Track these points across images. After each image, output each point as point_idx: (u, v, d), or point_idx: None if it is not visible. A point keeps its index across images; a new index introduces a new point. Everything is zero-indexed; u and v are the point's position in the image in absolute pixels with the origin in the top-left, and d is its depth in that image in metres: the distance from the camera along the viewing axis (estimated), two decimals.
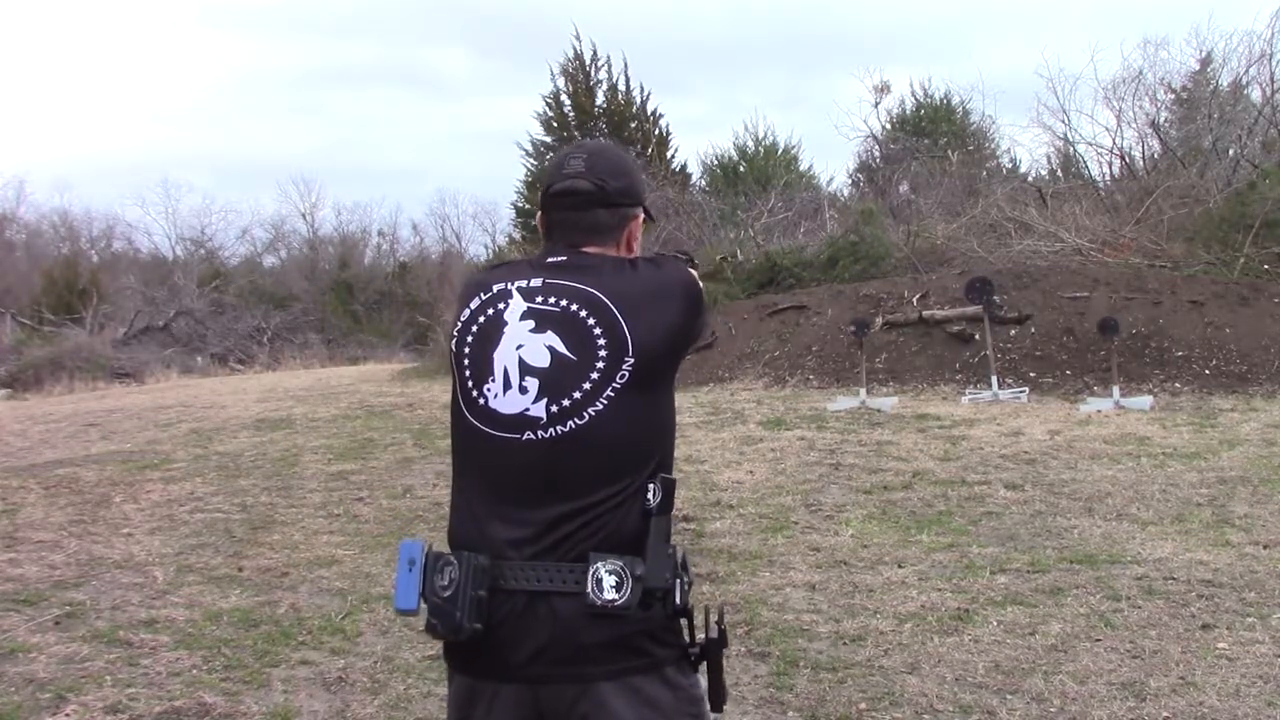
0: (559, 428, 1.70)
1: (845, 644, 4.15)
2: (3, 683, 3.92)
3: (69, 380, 19.32)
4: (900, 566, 5.16)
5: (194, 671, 4.03)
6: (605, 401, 1.70)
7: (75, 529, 6.49)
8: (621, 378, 1.71)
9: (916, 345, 11.49)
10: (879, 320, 11.75)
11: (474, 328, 1.80)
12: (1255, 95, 19.32)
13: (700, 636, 1.77)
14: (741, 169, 25.65)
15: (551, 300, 1.76)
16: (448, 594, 1.68)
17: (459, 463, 1.82)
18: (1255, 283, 11.92)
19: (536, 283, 1.79)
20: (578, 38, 27.44)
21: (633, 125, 26.36)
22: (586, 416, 1.70)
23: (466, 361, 1.79)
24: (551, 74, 26.74)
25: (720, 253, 16.82)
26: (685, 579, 1.70)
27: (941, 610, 4.50)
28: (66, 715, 3.63)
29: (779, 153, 26.57)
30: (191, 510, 6.96)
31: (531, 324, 1.75)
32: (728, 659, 4.10)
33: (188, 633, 4.48)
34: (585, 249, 1.83)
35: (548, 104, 26.57)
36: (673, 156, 26.63)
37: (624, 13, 49.67)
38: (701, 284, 1.88)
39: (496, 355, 1.76)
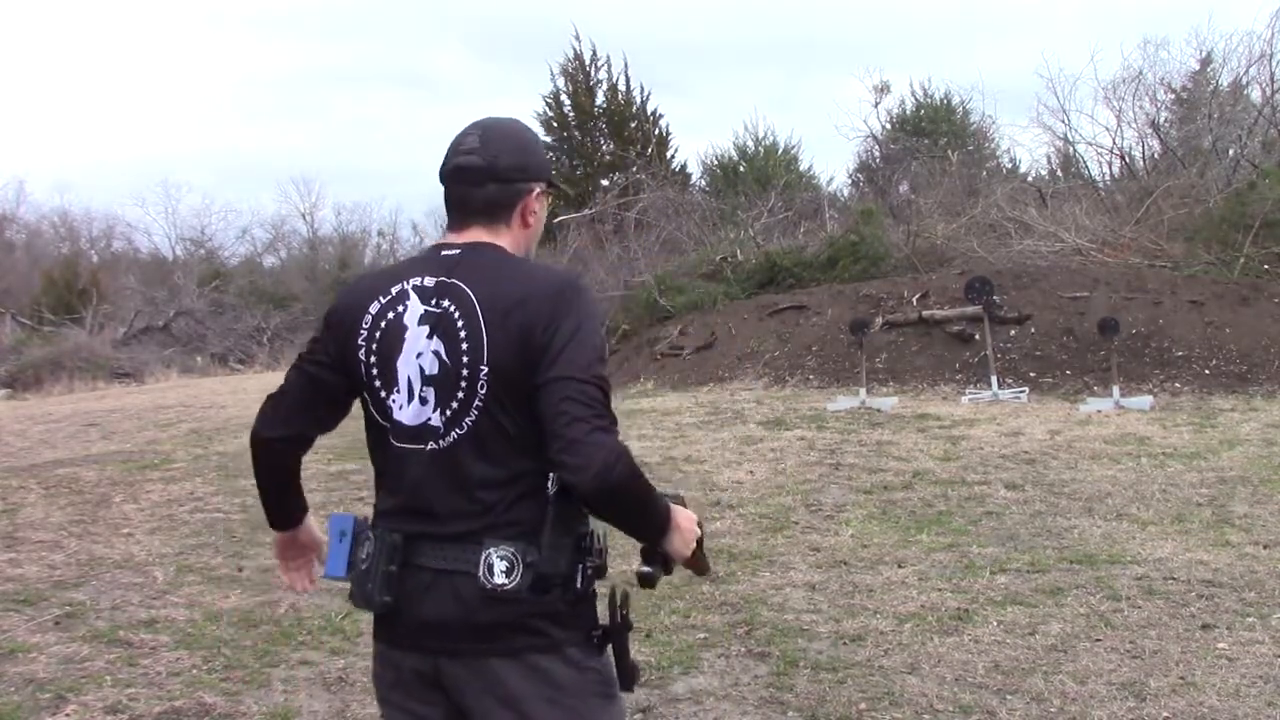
0: (452, 434, 1.74)
1: (845, 644, 4.15)
2: (3, 683, 3.92)
3: (69, 380, 19.32)
4: (900, 566, 5.16)
5: (194, 671, 4.03)
6: (477, 411, 1.73)
7: (75, 529, 6.49)
8: (483, 388, 1.72)
9: (916, 345, 11.49)
10: (879, 320, 11.75)
11: (377, 333, 1.80)
12: (1255, 95, 19.34)
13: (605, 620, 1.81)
14: (741, 169, 25.64)
15: (443, 303, 1.76)
16: (364, 566, 1.79)
17: (375, 461, 1.87)
18: (1255, 283, 11.92)
19: (430, 283, 1.78)
20: (577, 38, 27.43)
21: (633, 125, 26.35)
22: (466, 426, 1.73)
23: (375, 371, 1.80)
24: (551, 74, 26.73)
25: (720, 253, 16.82)
26: (588, 565, 1.73)
27: (941, 610, 4.50)
28: (66, 715, 3.63)
29: (779, 153, 26.56)
30: (191, 510, 6.96)
31: (427, 329, 1.76)
32: (727, 658, 4.12)
33: (188, 633, 4.48)
34: (478, 230, 1.82)
35: (548, 104, 26.55)
36: (673, 156, 26.62)
37: (624, 13, 49.68)
38: (583, 293, 1.77)
39: (400, 364, 1.78)
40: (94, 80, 63.60)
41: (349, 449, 8.97)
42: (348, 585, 1.84)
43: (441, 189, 1.87)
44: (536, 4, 51.98)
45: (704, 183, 26.36)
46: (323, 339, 1.87)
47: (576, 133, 26.52)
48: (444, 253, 1.82)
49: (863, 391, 10.25)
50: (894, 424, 8.95)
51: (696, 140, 65.83)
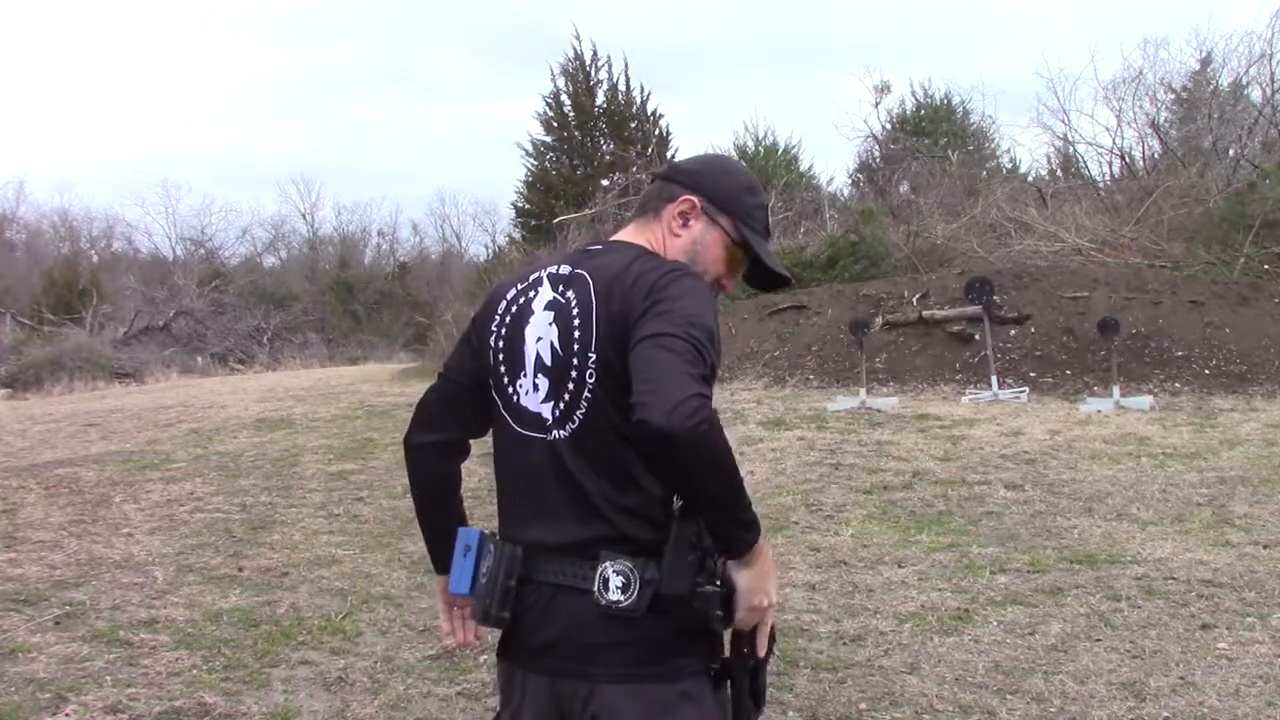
0: (561, 431, 1.69)
1: (845, 644, 4.15)
2: (3, 683, 3.92)
3: (69, 380, 19.32)
4: (900, 566, 5.16)
5: (194, 671, 4.03)
6: (586, 403, 1.66)
7: (75, 529, 6.49)
8: (591, 376, 1.66)
9: (916, 345, 11.49)
10: (879, 320, 11.75)
11: (508, 319, 1.78)
12: (1255, 95, 19.35)
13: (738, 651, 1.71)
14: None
15: (567, 294, 1.72)
16: (484, 581, 1.71)
17: (497, 455, 1.81)
18: (1255, 283, 11.92)
19: (565, 270, 1.76)
20: (578, 37, 27.43)
21: (633, 125, 26.35)
22: (577, 420, 1.67)
23: (501, 356, 1.77)
24: (551, 74, 26.70)
25: None
26: (713, 588, 1.61)
27: (941, 610, 4.50)
28: (66, 715, 3.63)
29: (779, 153, 26.56)
30: (191, 510, 6.96)
31: (551, 315, 1.72)
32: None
33: (188, 633, 4.48)
34: (633, 226, 1.82)
35: (548, 104, 26.54)
36: (673, 156, 26.59)
37: (624, 14, 49.71)
38: (691, 276, 1.69)
39: (525, 349, 1.74)
40: (94, 80, 63.66)
41: (349, 449, 8.98)
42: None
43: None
44: (536, 8, 52.05)
45: None
46: (467, 335, 1.86)
47: (577, 133, 26.52)
48: (589, 246, 1.81)
49: (863, 391, 10.25)
50: (894, 424, 8.95)
51: (697, 141, 65.85)
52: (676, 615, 1.61)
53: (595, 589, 1.61)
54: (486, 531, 1.77)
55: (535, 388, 1.71)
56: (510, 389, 1.75)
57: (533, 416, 1.72)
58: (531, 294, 1.77)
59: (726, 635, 1.70)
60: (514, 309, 1.78)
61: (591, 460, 1.66)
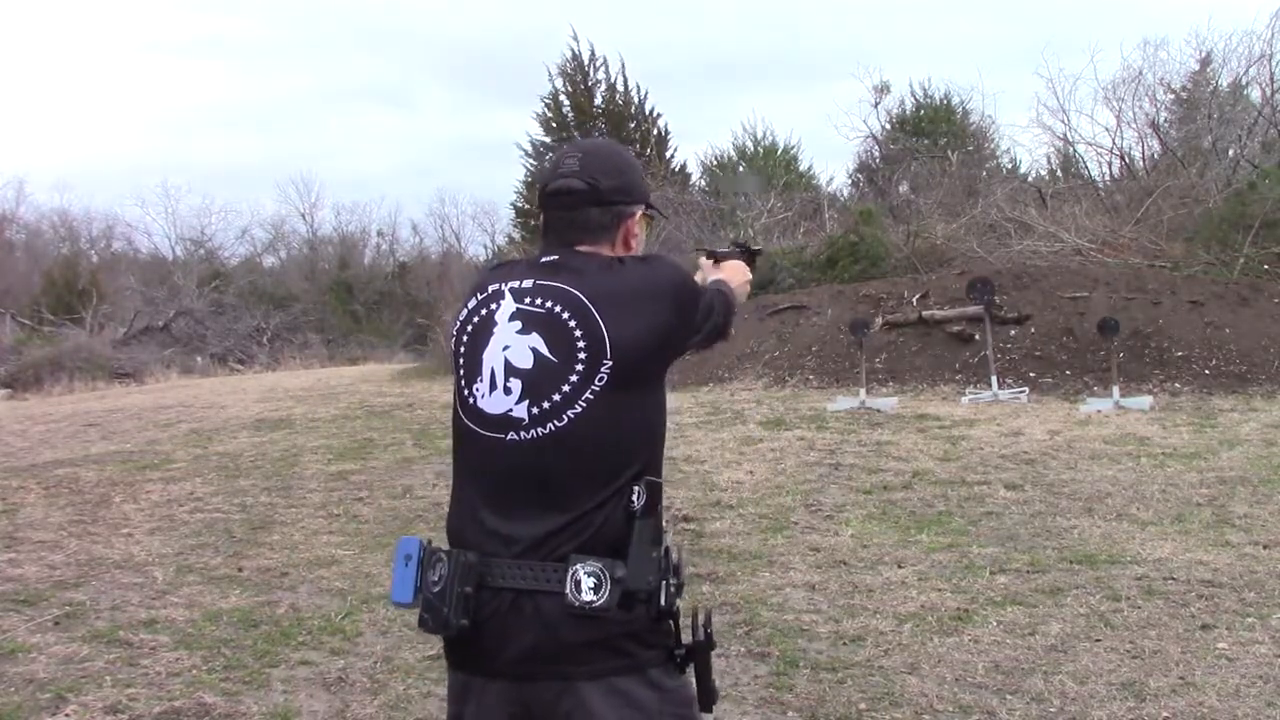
0: (539, 429, 1.73)
1: (845, 644, 4.15)
2: (3, 683, 3.92)
3: (69, 380, 19.31)
4: (900, 566, 5.16)
5: (194, 671, 4.03)
6: (584, 404, 1.72)
7: (75, 529, 6.49)
8: (600, 380, 1.72)
9: (916, 345, 11.49)
10: (879, 320, 11.75)
11: (469, 327, 1.84)
12: (1255, 95, 19.36)
13: (687, 638, 1.77)
14: (741, 169, 25.64)
15: (539, 301, 1.78)
16: (437, 590, 1.73)
17: (455, 459, 1.86)
18: (1255, 283, 11.92)
19: (528, 283, 1.81)
20: (575, 38, 27.44)
21: (631, 125, 26.36)
22: (566, 418, 1.72)
23: (461, 360, 1.84)
24: (550, 75, 26.75)
25: None
26: (672, 581, 1.71)
27: (941, 610, 4.50)
28: (66, 715, 3.63)
29: (778, 153, 26.56)
30: (191, 510, 6.96)
31: (519, 325, 1.78)
32: (726, 658, 4.11)
33: (188, 633, 4.48)
34: (579, 248, 1.84)
35: (546, 105, 26.57)
36: (672, 156, 26.64)
37: (621, 18, 49.71)
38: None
39: (485, 356, 1.80)
40: (94, 80, 63.60)
41: (349, 449, 8.98)
42: (415, 610, 1.79)
43: (541, 210, 1.89)
44: (534, 14, 52.06)
45: (704, 183, 26.37)
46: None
47: (576, 133, 26.53)
48: (544, 259, 1.84)
49: (862, 391, 10.24)
50: (894, 424, 8.95)
51: (695, 142, 65.86)
52: (642, 609, 1.68)
53: (567, 590, 1.65)
54: (426, 541, 1.80)
55: (506, 390, 1.76)
56: (466, 391, 1.82)
57: (496, 418, 1.76)
58: (493, 306, 1.82)
59: (687, 622, 1.76)
60: (475, 319, 1.84)
61: (569, 457, 1.72)
